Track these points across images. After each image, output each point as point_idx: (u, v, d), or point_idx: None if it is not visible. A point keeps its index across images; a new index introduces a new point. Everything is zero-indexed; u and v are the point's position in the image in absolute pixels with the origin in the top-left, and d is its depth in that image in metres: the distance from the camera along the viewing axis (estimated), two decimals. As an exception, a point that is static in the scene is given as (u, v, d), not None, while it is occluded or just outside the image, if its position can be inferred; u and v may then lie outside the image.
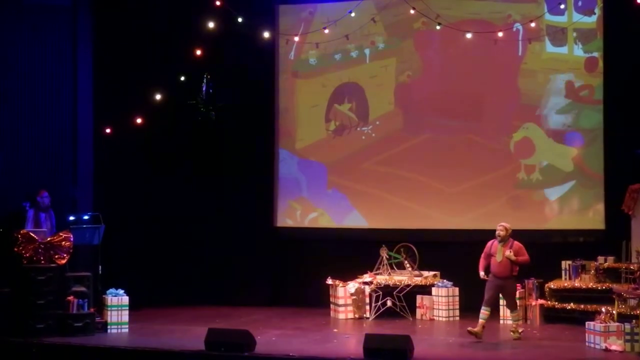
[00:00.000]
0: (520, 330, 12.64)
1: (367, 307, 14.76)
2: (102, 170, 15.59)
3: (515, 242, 12.55)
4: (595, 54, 14.96)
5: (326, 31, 15.69)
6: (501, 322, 13.97)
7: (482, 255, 12.73)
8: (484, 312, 12.52)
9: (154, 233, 16.04)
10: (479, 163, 15.52)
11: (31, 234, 13.24)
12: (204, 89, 15.40)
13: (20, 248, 13.13)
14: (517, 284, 14.17)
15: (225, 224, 16.46)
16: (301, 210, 16.56)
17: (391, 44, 16.11)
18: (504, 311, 14.11)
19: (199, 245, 16.41)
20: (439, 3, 15.31)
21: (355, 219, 16.21)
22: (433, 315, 14.58)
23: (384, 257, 14.92)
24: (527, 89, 15.30)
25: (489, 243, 12.68)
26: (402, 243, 15.04)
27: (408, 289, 14.62)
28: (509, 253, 12.41)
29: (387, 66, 16.15)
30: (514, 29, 15.11)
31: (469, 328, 12.53)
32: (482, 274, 12.68)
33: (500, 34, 14.75)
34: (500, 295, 13.24)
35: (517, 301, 13.07)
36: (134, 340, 12.69)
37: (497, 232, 12.61)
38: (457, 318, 14.44)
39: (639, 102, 14.40)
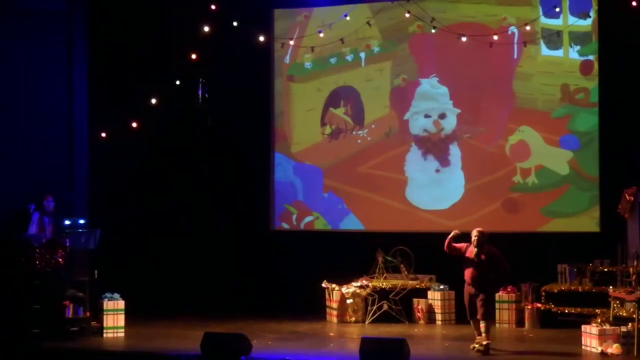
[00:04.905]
0: (484, 343, 11.80)
1: (363, 311, 14.75)
2: (97, 174, 15.55)
3: (491, 247, 11.95)
4: (591, 57, 14.97)
5: (321, 35, 15.73)
6: (497, 325, 13.97)
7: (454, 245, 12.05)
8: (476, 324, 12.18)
9: (150, 237, 16.00)
10: (474, 166, 15.53)
11: (27, 238, 13.22)
12: (199, 93, 15.41)
13: (16, 252, 13.11)
14: (512, 287, 14.24)
15: (221, 228, 16.45)
16: (297, 214, 16.54)
17: (386, 47, 16.11)
18: (500, 315, 14.14)
19: (195, 249, 16.39)
20: (434, 6, 15.34)
21: (351, 223, 16.19)
22: (429, 319, 14.58)
23: (380, 261, 14.91)
24: (522, 92, 15.29)
25: (465, 245, 12.07)
26: (397, 246, 15.03)
27: (404, 292, 14.62)
28: None
29: (383, 69, 16.15)
30: (509, 32, 15.13)
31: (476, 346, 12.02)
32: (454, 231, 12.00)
33: (495, 37, 14.76)
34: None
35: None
36: (130, 345, 12.69)
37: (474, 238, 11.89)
38: (453, 321, 14.44)
39: (634, 105, 14.42)
